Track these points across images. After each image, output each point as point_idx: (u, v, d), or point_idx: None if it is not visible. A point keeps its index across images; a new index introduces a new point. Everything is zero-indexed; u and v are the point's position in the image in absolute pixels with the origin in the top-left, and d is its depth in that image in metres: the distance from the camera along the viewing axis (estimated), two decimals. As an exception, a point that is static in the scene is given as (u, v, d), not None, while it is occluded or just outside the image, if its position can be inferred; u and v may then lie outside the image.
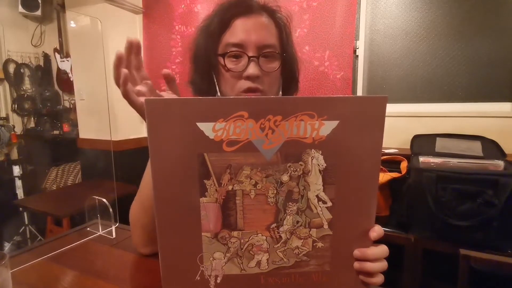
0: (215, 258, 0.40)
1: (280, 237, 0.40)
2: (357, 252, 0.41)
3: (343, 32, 1.56)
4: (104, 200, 0.80)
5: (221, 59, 0.60)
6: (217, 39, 0.62)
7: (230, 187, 0.38)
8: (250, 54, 0.58)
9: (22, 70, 2.51)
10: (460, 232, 1.06)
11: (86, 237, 0.77)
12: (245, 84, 0.59)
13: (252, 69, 0.58)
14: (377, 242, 0.42)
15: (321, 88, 1.63)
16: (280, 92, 0.68)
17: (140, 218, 0.59)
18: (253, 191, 0.38)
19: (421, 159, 1.23)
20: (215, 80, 0.64)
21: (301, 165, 0.38)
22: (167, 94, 0.53)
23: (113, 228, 0.79)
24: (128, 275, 0.61)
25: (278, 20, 0.64)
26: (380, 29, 1.63)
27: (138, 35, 2.19)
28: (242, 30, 0.59)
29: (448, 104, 1.52)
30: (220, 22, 0.61)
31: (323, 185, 0.39)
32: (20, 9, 2.33)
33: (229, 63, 0.60)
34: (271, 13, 0.63)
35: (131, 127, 2.15)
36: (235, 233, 0.40)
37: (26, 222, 2.32)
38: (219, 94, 0.64)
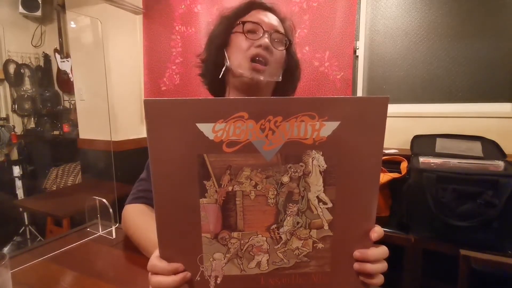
0: (215, 258, 0.40)
1: (280, 238, 0.40)
2: (357, 253, 0.41)
3: (343, 32, 1.55)
4: (104, 200, 0.80)
5: (240, 27, 0.70)
6: (234, 21, 0.72)
7: (230, 188, 0.38)
8: (265, 29, 0.69)
9: (22, 71, 2.51)
10: (460, 232, 1.06)
11: (86, 237, 0.77)
12: (255, 50, 0.68)
13: (264, 40, 0.68)
14: (377, 242, 0.42)
15: (321, 89, 1.63)
16: (280, 83, 0.75)
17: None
18: (253, 192, 0.38)
19: (421, 159, 1.23)
20: (226, 55, 0.72)
21: (301, 166, 0.38)
22: None
23: (113, 228, 0.79)
24: (128, 275, 0.61)
25: (285, 27, 0.74)
26: (380, 29, 1.63)
27: (138, 35, 2.19)
28: (259, 15, 0.71)
29: (448, 105, 1.52)
30: (239, 10, 0.72)
31: (323, 186, 0.39)
32: (20, 9, 2.33)
33: (246, 32, 0.70)
34: (282, 20, 0.74)
35: (131, 127, 2.15)
36: (235, 234, 0.40)
37: (26, 223, 2.31)
38: (227, 63, 0.71)
